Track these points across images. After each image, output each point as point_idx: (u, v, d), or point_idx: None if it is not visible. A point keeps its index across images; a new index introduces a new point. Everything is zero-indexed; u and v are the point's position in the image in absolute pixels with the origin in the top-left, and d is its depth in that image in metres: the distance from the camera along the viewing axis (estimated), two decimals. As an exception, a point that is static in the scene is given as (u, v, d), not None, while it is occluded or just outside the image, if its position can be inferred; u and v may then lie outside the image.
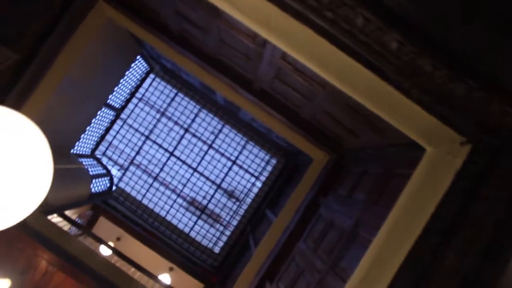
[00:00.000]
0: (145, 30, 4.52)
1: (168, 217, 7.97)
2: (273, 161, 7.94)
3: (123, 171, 8.11)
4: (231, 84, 4.23)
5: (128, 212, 7.66)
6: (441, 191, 1.90)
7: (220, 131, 7.97)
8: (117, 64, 6.41)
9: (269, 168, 7.96)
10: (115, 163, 8.14)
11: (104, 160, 7.91)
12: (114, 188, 7.80)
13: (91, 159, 7.35)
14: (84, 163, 6.81)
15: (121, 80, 6.87)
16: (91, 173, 6.81)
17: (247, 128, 7.41)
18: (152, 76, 7.92)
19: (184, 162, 7.96)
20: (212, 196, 8.09)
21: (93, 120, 6.85)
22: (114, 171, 8.02)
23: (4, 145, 1.48)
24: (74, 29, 4.23)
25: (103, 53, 5.73)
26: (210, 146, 8.02)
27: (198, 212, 8.18)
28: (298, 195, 4.69)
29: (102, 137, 7.54)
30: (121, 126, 8.04)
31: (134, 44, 6.30)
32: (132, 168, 8.10)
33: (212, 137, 8.04)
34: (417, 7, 1.49)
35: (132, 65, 6.87)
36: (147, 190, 7.98)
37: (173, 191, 8.03)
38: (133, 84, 7.66)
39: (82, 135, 6.74)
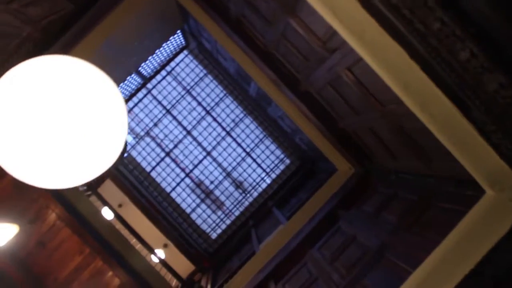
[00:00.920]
0: (199, 7, 4.47)
1: (173, 195, 7.98)
2: (287, 161, 7.92)
3: (137, 140, 8.10)
4: (276, 80, 4.19)
5: (135, 181, 7.66)
6: (496, 236, 1.88)
7: (241, 120, 7.94)
8: (158, 34, 6.35)
9: (282, 167, 7.94)
10: (131, 130, 8.13)
11: (121, 125, 7.86)
12: (125, 154, 7.80)
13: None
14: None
15: (157, 51, 6.83)
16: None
17: (270, 124, 7.38)
18: (185, 52, 7.87)
19: (199, 144, 7.94)
20: (220, 182, 8.08)
21: (121, 85, 6.82)
22: (129, 138, 8.01)
23: (84, 98, 1.46)
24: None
25: (148, 21, 5.69)
26: (228, 133, 7.99)
27: (203, 196, 8.19)
28: (315, 202, 4.66)
29: (125, 102, 7.50)
30: (145, 95, 8.01)
31: (178, 18, 6.24)
32: (147, 139, 8.08)
33: (232, 124, 8.01)
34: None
35: (171, 38, 6.83)
36: (158, 164, 7.97)
37: (183, 170, 8.02)
38: (166, 56, 7.61)
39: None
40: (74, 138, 1.38)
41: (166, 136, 8.04)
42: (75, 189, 4.85)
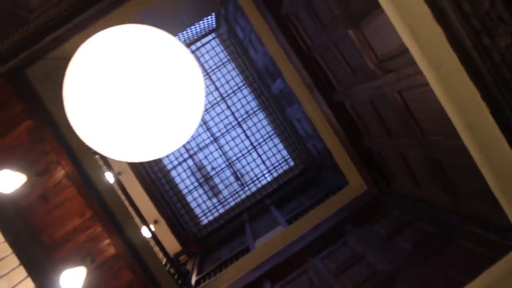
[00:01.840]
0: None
1: (173, 173, 7.94)
2: (292, 163, 7.91)
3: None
4: (310, 84, 4.17)
5: (139, 153, 7.62)
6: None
7: (255, 113, 7.91)
8: (193, 12, 6.28)
9: (285, 167, 7.94)
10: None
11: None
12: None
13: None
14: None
15: (187, 29, 6.76)
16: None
17: (284, 124, 7.36)
18: (213, 35, 7.80)
19: (208, 129, 7.90)
20: (222, 171, 8.07)
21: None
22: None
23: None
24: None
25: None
26: (239, 124, 7.96)
27: (202, 180, 8.16)
28: (321, 212, 4.67)
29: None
30: (165, 70, 7.90)
31: (217, 3, 6.18)
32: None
33: (245, 116, 7.97)
34: None
35: (204, 19, 6.76)
36: (164, 140, 7.89)
37: (188, 150, 7.98)
38: (193, 35, 7.54)
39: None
40: (158, 109, 1.35)
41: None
42: (86, 148, 4.77)
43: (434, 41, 1.84)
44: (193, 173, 8.13)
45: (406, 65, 2.40)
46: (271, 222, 5.95)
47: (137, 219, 5.74)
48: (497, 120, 1.86)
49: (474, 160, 2.18)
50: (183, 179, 7.95)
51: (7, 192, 3.92)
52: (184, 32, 6.87)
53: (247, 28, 5.75)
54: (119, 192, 5.92)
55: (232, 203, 7.85)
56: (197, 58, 7.95)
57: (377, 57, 2.68)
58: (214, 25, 7.48)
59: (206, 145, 7.98)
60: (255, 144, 7.95)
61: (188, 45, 7.64)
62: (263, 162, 7.93)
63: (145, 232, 5.95)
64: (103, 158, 6.00)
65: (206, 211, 7.86)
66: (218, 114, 7.98)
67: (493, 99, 1.87)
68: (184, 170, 7.97)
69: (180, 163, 7.97)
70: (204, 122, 7.94)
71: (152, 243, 5.94)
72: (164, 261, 5.65)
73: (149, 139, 1.31)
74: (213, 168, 8.15)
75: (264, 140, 7.96)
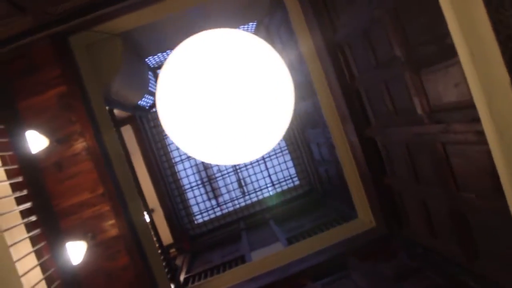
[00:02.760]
0: (302, 11, 4.48)
1: (179, 167, 7.96)
2: (297, 182, 7.95)
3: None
4: (345, 115, 4.22)
5: (151, 139, 7.64)
6: None
7: (271, 126, 7.94)
8: (237, 17, 6.33)
9: (289, 184, 7.97)
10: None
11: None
12: (153, 109, 7.80)
13: (153, 75, 7.32)
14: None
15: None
16: (149, 88, 6.79)
17: (299, 143, 7.40)
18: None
19: (224, 131, 7.94)
20: (227, 175, 8.09)
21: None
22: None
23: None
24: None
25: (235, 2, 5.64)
26: (254, 133, 8.00)
27: (205, 180, 8.18)
28: (325, 239, 4.68)
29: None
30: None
31: (264, 9, 6.19)
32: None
33: (261, 127, 8.00)
34: None
35: (246, 24, 6.84)
36: (177, 132, 7.92)
37: (198, 148, 8.00)
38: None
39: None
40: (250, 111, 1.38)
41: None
42: (110, 126, 4.76)
43: (505, 110, 1.87)
44: (199, 171, 8.15)
45: (459, 121, 2.44)
46: (270, 237, 5.97)
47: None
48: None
49: (506, 225, 2.23)
50: (187, 175, 7.97)
51: (33, 152, 3.96)
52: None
53: (288, 43, 5.81)
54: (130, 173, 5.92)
55: (231, 209, 7.86)
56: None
57: (429, 105, 2.73)
58: (252, 32, 7.56)
59: (218, 147, 8.00)
60: (265, 156, 7.98)
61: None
62: (269, 175, 7.96)
63: (146, 217, 5.94)
64: (121, 137, 6.00)
65: (203, 210, 7.86)
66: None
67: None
68: (191, 166, 7.99)
69: (188, 158, 7.98)
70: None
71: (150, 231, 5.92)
72: (159, 251, 5.63)
73: (248, 139, 1.35)
74: (218, 171, 8.18)
75: (275, 154, 8.00)
